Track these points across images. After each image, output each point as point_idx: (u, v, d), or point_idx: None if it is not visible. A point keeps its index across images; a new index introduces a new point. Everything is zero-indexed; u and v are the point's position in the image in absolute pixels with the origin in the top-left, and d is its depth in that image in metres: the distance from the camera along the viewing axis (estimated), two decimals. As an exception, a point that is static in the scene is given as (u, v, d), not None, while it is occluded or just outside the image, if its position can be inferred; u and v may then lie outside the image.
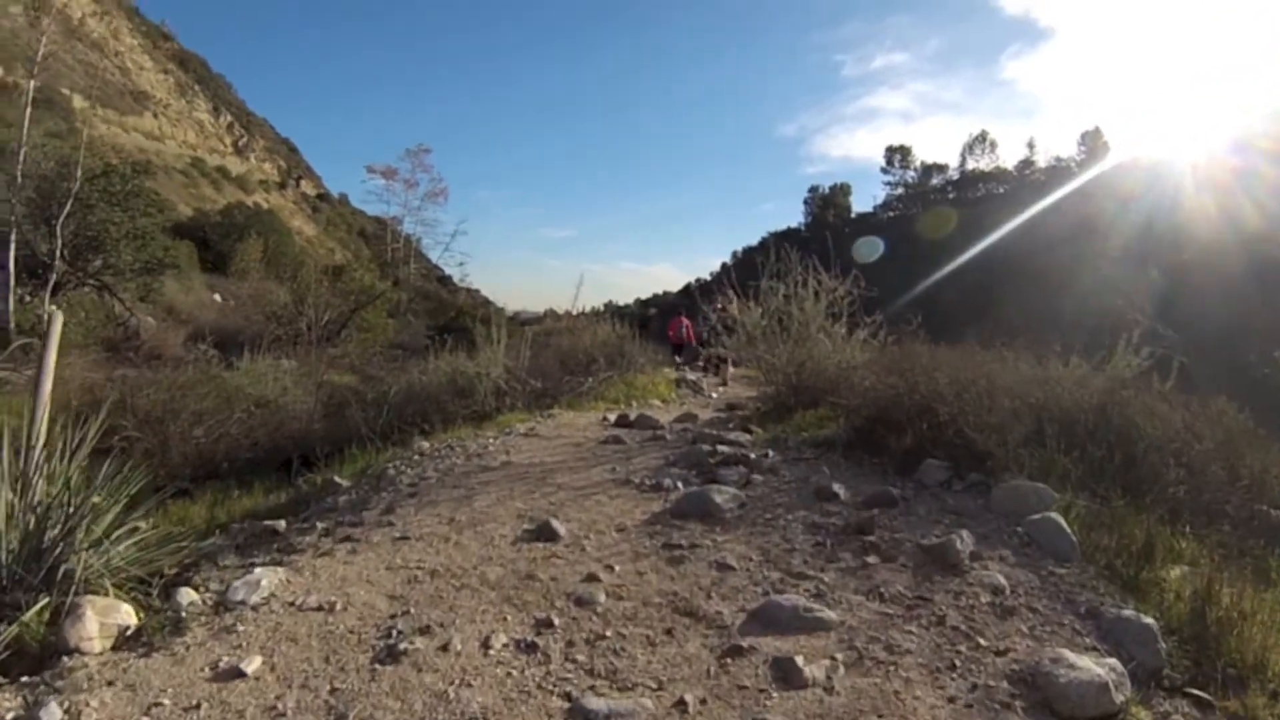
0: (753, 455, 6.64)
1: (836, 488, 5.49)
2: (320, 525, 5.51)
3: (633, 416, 9.36)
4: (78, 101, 51.34)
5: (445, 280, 61.02)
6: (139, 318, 23.02)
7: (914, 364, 7.16)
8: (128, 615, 3.70)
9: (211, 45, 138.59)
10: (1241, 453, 5.91)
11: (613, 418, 9.58)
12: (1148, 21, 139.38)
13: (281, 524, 5.80)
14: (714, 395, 13.87)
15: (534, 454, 7.39)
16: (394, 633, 3.50)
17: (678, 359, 18.58)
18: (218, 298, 32.29)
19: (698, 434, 8.13)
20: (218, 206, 48.14)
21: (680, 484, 5.95)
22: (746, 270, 10.61)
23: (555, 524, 4.85)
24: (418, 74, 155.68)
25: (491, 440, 8.09)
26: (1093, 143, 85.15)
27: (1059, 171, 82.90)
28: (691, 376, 14.89)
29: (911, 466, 6.11)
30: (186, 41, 73.97)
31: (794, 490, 5.70)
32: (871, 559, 4.30)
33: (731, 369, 18.02)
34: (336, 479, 7.24)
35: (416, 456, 7.55)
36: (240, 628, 3.56)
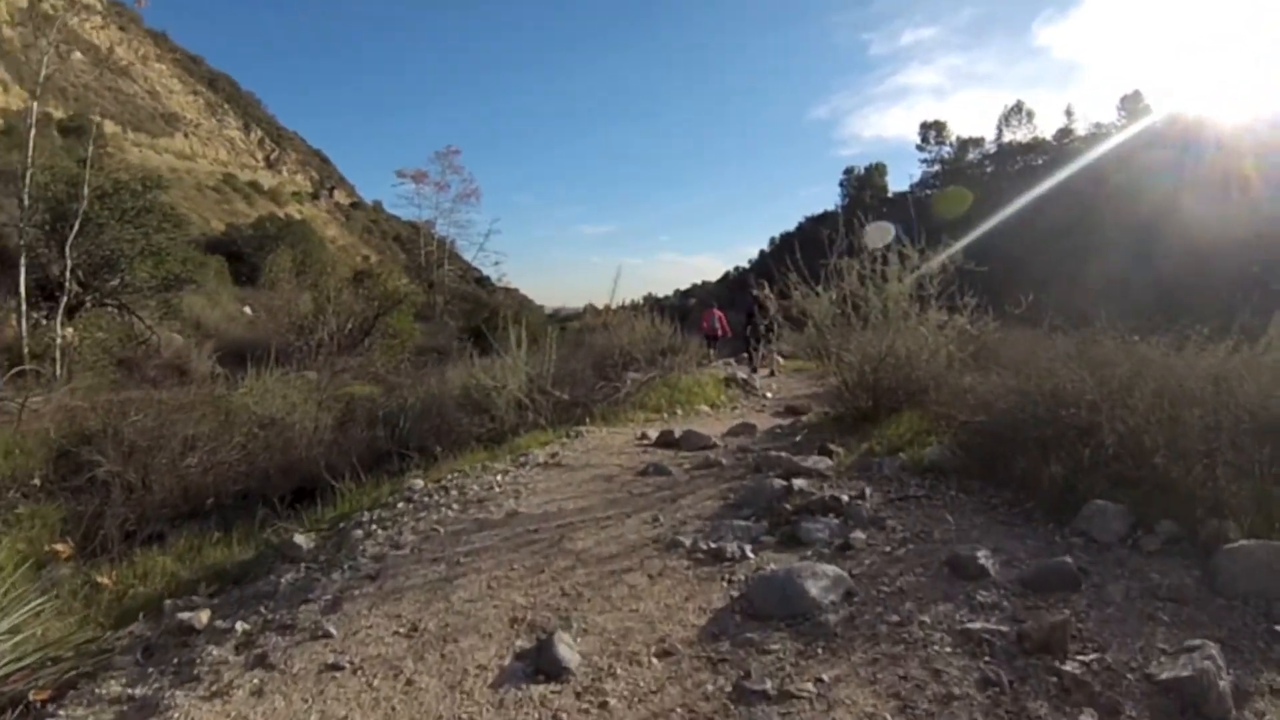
0: (844, 496, 4.76)
1: (981, 557, 3.62)
2: (241, 627, 3.82)
3: (678, 433, 7.55)
4: (109, 127, 51.15)
5: (483, 281, 59.39)
6: (159, 335, 21.81)
7: (1050, 362, 5.22)
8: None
9: (240, 63, 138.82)
10: None
11: (654, 434, 7.78)
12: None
13: (203, 616, 4.15)
14: (768, 395, 11.97)
15: (551, 496, 5.60)
16: None
17: (711, 351, 16.77)
18: (248, 310, 31.10)
19: (761, 457, 6.25)
20: (250, 220, 47.15)
21: (748, 548, 4.13)
22: (803, 250, 8.66)
23: (562, 647, 3.06)
24: (450, 81, 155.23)
25: (500, 476, 6.30)
26: (1133, 106, 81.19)
27: (1099, 138, 79.21)
28: (742, 375, 12.94)
29: (1068, 509, 4.24)
30: (215, 61, 73.63)
31: (916, 559, 3.84)
32: (1085, 716, 2.45)
33: (780, 360, 16.27)
34: (297, 537, 5.52)
35: (401, 504, 5.81)
36: None
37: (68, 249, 18.45)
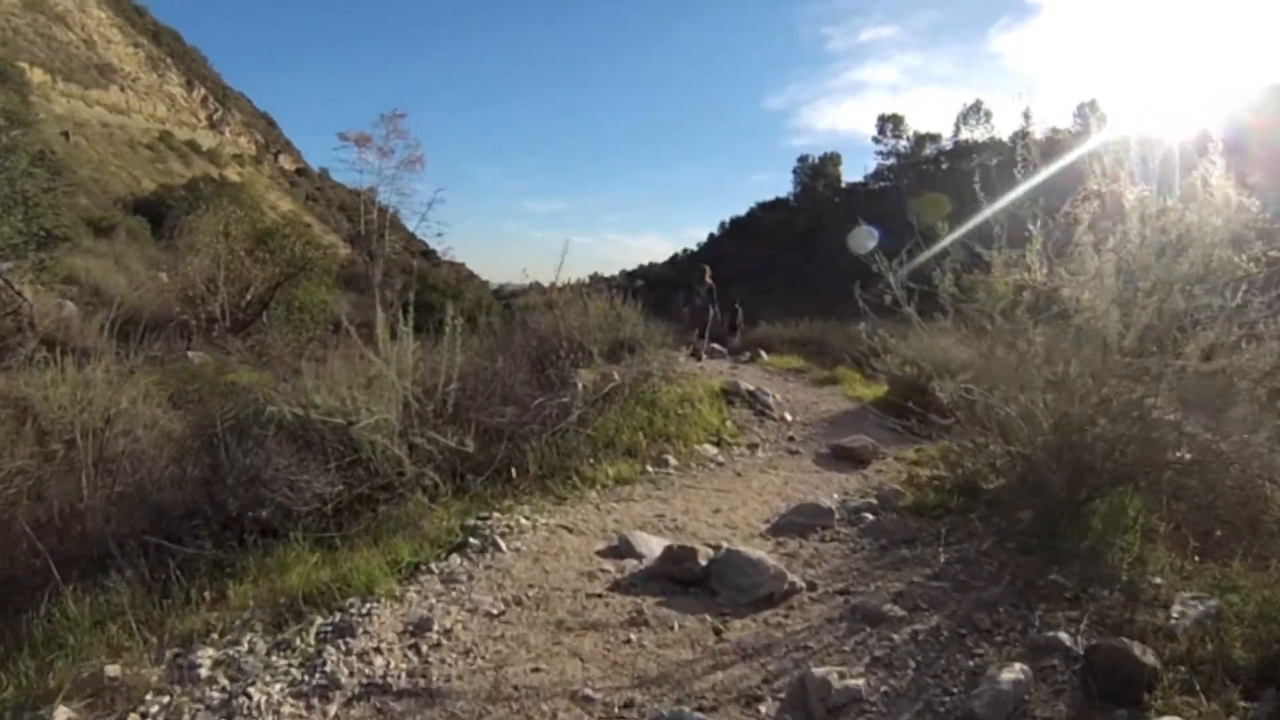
0: None
1: None
2: None
3: (703, 556, 3.41)
4: (38, 75, 45.49)
5: (429, 254, 54.61)
6: (30, 302, 17.16)
7: None
8: None
9: (186, 18, 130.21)
10: None
11: (646, 547, 3.65)
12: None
13: None
14: (788, 418, 7.87)
15: None
16: None
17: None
18: (164, 277, 26.37)
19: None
20: (184, 181, 41.99)
21: None
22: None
23: None
24: (403, 47, 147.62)
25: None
26: (1089, 114, 78.58)
27: (1055, 143, 76.38)
28: (748, 386, 8.64)
29: None
30: (160, 14, 67.24)
31: None
32: None
33: (764, 355, 13.02)
34: None
35: None
36: None
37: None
